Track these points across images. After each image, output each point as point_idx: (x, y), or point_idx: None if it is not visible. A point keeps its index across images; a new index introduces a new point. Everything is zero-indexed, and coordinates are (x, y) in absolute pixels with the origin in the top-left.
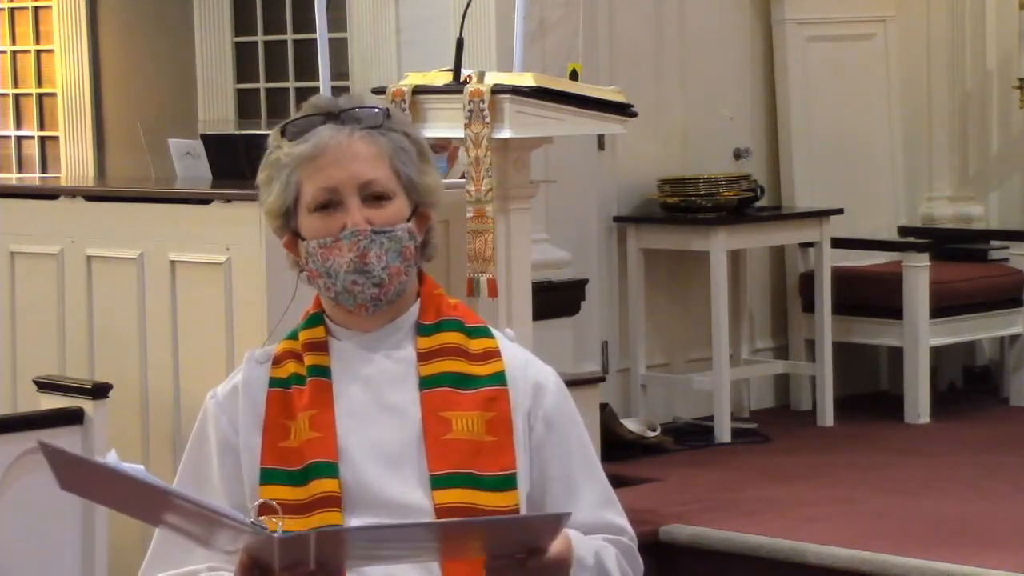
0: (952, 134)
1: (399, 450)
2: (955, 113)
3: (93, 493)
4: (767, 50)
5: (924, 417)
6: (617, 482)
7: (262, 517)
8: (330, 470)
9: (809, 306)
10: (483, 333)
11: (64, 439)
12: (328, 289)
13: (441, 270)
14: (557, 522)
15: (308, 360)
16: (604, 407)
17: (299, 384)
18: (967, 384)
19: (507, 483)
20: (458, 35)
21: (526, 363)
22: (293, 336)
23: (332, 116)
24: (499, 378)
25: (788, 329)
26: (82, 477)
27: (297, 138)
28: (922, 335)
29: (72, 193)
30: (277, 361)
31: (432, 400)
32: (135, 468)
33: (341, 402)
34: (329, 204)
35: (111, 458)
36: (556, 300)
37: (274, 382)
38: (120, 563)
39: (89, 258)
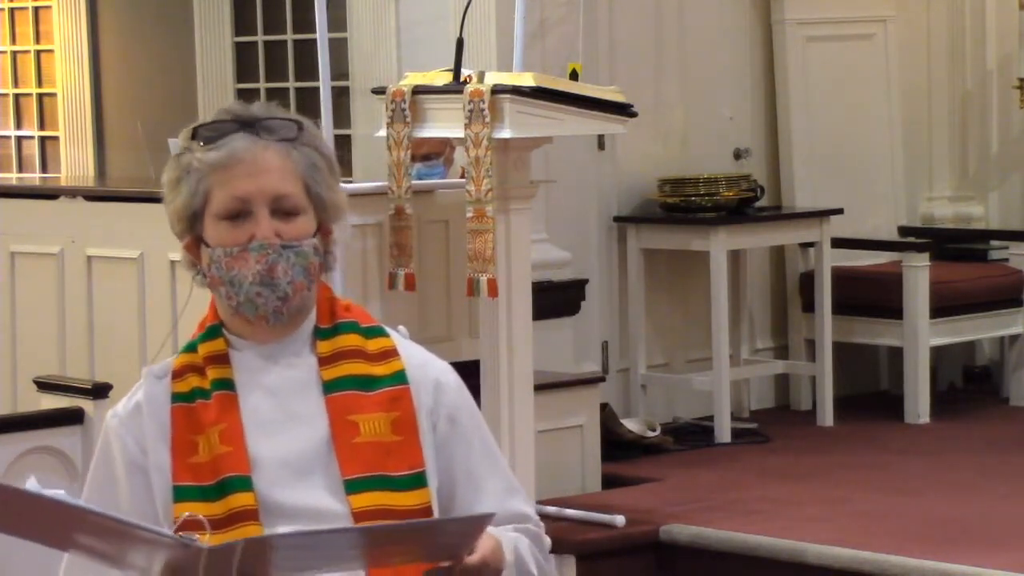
0: (952, 134)
1: (310, 457)
2: (955, 113)
3: (5, 525)
4: (767, 50)
5: (924, 417)
6: (617, 482)
7: (187, 533)
8: (244, 484)
9: (809, 306)
10: (379, 333)
11: (64, 439)
12: (230, 298)
13: (441, 270)
14: (480, 523)
15: (211, 374)
16: (604, 407)
17: (203, 398)
18: (967, 384)
19: (417, 481)
20: (458, 35)
21: (424, 361)
22: (191, 348)
23: (246, 125)
24: (400, 377)
25: (788, 329)
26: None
27: (210, 143)
28: (922, 335)
29: (72, 193)
30: (177, 375)
31: (337, 404)
32: (56, 492)
33: (247, 414)
34: (239, 214)
35: (31, 484)
36: (556, 300)
37: (177, 397)
38: None
39: (89, 258)
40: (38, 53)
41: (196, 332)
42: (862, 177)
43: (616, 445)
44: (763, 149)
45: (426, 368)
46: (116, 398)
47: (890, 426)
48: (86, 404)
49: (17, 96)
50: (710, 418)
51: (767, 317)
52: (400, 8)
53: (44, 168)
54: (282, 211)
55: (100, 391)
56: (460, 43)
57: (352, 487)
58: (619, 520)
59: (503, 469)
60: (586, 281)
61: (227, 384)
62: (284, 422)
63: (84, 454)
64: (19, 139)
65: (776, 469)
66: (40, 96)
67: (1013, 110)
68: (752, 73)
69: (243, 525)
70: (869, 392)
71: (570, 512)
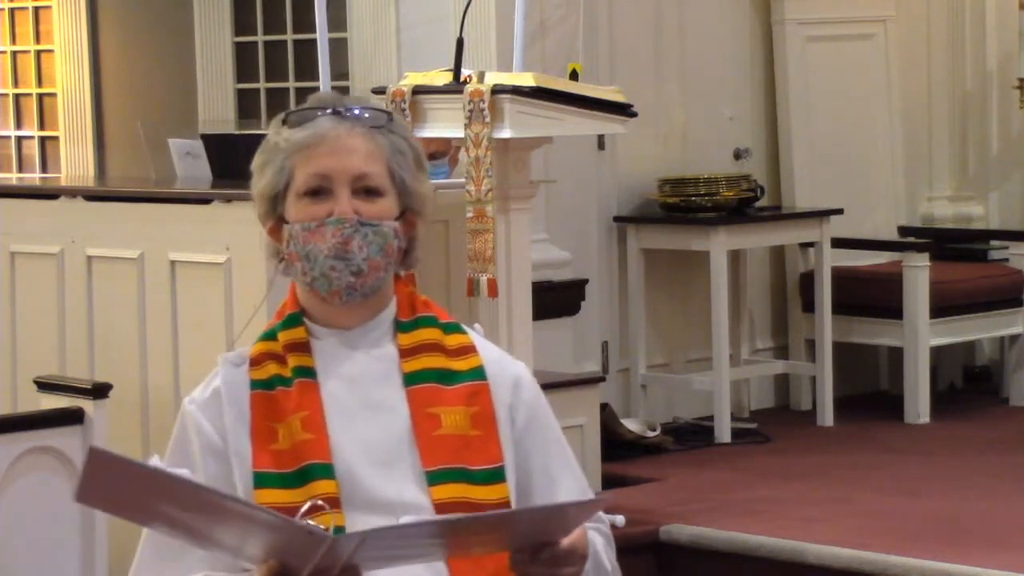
0: (952, 134)
1: (390, 448)
2: (955, 113)
3: (114, 503)
4: (767, 50)
5: (924, 417)
6: (617, 482)
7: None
8: (326, 471)
9: (809, 306)
10: (456, 329)
11: (64, 439)
12: (305, 273)
13: (441, 270)
14: (590, 508)
15: (292, 361)
16: (604, 407)
17: (284, 385)
18: (967, 384)
19: (496, 476)
20: (458, 35)
21: (501, 358)
22: (271, 336)
23: (335, 110)
24: (479, 373)
25: (788, 329)
26: (111, 486)
27: (297, 126)
28: (922, 335)
29: (72, 193)
30: (255, 362)
31: (419, 396)
32: (182, 471)
33: (328, 402)
34: (319, 191)
35: (155, 461)
36: (556, 300)
37: (256, 384)
38: (120, 563)
39: (89, 258)
40: (38, 53)
41: (274, 320)
42: (862, 177)
43: (616, 445)
44: (763, 149)
45: (504, 365)
46: (116, 398)
47: (890, 426)
48: (86, 404)
49: (17, 96)
50: (710, 418)
51: (767, 317)
52: (400, 8)
53: (44, 168)
54: (364, 190)
55: (100, 391)
56: (460, 43)
57: (434, 478)
58: (619, 520)
59: (576, 469)
60: (586, 281)
61: (308, 372)
62: (363, 410)
63: (84, 454)
64: (19, 139)
65: (776, 469)
66: (40, 96)
67: (1013, 110)
68: (752, 73)
69: (324, 513)
70: (869, 392)
71: None
